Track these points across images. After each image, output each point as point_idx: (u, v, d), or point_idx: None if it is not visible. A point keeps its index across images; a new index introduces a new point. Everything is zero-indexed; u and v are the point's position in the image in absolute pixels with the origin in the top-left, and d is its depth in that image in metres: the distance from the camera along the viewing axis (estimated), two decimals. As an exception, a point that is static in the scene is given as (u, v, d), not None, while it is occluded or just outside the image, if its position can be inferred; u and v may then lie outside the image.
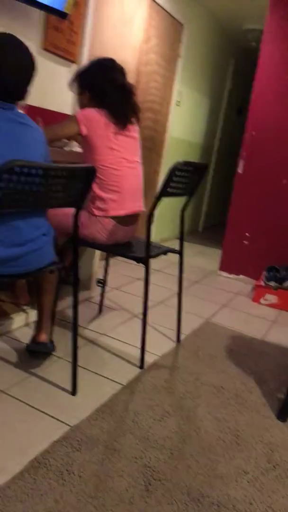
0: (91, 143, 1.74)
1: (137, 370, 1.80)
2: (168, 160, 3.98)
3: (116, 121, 1.75)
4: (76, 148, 2.15)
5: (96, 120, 1.72)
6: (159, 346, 2.06)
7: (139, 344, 2.03)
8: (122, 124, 1.77)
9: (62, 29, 2.42)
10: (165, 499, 1.16)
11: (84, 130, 1.71)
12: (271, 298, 2.89)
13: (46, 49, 2.36)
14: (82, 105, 1.81)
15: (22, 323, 2.03)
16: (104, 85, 1.75)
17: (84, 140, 1.76)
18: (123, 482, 1.20)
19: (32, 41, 2.28)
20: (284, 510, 1.19)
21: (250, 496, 1.22)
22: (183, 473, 1.27)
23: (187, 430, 1.46)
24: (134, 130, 1.85)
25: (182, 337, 2.19)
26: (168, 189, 1.71)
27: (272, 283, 2.93)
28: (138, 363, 1.85)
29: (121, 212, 1.82)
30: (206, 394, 1.70)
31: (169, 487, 1.21)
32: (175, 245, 4.30)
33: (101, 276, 2.57)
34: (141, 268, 3.24)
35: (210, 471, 1.29)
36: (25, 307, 2.09)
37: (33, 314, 2.07)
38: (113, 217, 1.81)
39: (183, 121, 4.14)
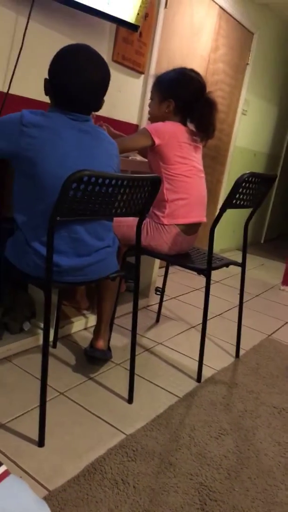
0: (164, 153, 1.76)
1: (194, 383, 1.76)
2: (232, 169, 3.91)
3: (198, 134, 1.81)
4: (138, 156, 2.17)
5: (168, 132, 1.75)
6: (217, 360, 2.01)
7: (196, 356, 1.99)
8: (203, 138, 1.81)
9: (131, 40, 2.47)
10: (221, 522, 1.12)
11: (157, 141, 1.74)
12: None
13: (115, 61, 2.42)
14: (158, 113, 1.82)
15: (82, 327, 2.07)
16: (193, 97, 1.77)
17: (155, 151, 1.78)
18: (178, 498, 1.17)
19: (102, 53, 2.34)
20: None
21: (313, 530, 1.14)
22: (240, 496, 1.21)
23: (246, 451, 1.40)
24: (200, 142, 1.88)
25: (242, 352, 2.12)
26: (234, 201, 1.67)
27: None
28: (195, 376, 1.81)
29: (189, 219, 1.82)
30: (266, 414, 1.62)
31: (226, 509, 1.16)
32: (235, 256, 4.20)
33: (160, 285, 2.56)
34: (200, 278, 3.19)
35: (269, 497, 1.23)
36: (85, 312, 2.13)
37: (92, 319, 2.11)
38: (180, 225, 1.81)
39: (249, 130, 4.06)
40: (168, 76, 1.81)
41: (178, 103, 1.78)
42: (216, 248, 4.05)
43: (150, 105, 1.87)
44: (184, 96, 1.77)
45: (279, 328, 2.54)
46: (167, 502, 1.15)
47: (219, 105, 3.43)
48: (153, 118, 1.85)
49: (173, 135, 1.76)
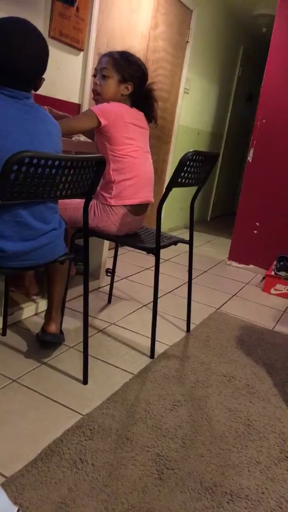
0: (110, 133, 1.75)
1: (148, 360, 1.80)
2: (176, 148, 3.94)
3: (146, 119, 1.90)
4: (82, 137, 2.13)
5: (114, 113, 1.74)
6: (169, 335, 2.06)
7: (149, 334, 2.03)
8: (149, 121, 1.92)
9: (68, 15, 2.39)
10: (178, 488, 1.17)
11: (103, 122, 1.72)
12: (282, 288, 2.87)
13: (52, 37, 2.33)
14: (113, 93, 1.79)
15: (32, 313, 2.04)
16: (146, 86, 1.87)
17: (101, 132, 1.76)
18: (136, 470, 1.20)
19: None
20: (296, 499, 1.19)
21: (263, 486, 1.22)
22: (196, 463, 1.27)
23: (199, 420, 1.46)
24: (146, 122, 1.91)
25: (192, 327, 2.19)
26: (179, 180, 1.69)
27: (283, 273, 2.91)
28: (148, 353, 1.85)
29: (136, 200, 1.83)
30: (217, 383, 1.70)
31: (182, 476, 1.21)
32: (183, 234, 4.28)
33: (110, 266, 2.57)
34: (149, 257, 3.23)
35: (223, 460, 1.30)
36: (34, 297, 2.10)
37: (42, 304, 2.08)
38: (128, 206, 1.81)
39: (191, 109, 4.09)
40: (132, 59, 1.80)
41: (136, 89, 1.81)
42: (164, 227, 4.11)
43: (101, 83, 1.80)
44: (142, 86, 1.83)
45: (226, 301, 2.64)
46: (126, 475, 1.18)
47: (161, 83, 3.43)
48: (104, 97, 1.80)
49: (119, 115, 1.75)
